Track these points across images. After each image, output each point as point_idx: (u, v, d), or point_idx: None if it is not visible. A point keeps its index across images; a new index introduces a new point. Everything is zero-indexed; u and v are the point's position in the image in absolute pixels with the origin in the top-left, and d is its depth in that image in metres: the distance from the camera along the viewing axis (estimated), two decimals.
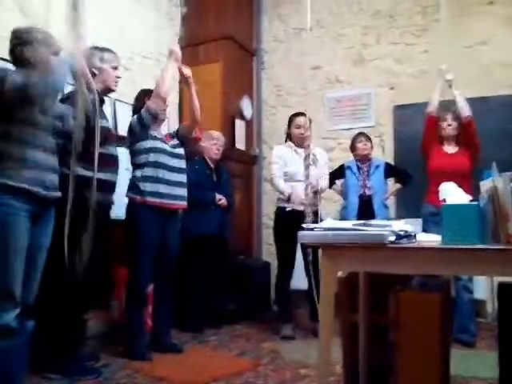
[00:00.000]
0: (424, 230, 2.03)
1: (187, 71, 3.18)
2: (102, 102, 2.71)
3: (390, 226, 1.53)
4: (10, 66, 2.12)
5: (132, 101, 3.29)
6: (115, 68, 2.72)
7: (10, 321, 1.87)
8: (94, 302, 2.92)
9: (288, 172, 3.56)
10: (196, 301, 3.64)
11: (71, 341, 2.56)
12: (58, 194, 2.11)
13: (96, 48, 2.68)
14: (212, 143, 3.82)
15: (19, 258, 1.91)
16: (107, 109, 3.12)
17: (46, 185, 2.01)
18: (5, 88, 1.89)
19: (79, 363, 2.56)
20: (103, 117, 2.66)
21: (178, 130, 3.35)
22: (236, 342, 3.38)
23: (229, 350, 3.15)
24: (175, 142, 3.19)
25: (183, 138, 3.26)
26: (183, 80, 3.26)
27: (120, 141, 3.04)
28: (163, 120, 3.21)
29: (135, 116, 3.04)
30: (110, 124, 2.92)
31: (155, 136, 3.05)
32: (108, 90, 2.76)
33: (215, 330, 3.66)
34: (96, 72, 2.65)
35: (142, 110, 2.98)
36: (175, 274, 3.15)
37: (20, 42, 2.05)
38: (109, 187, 2.65)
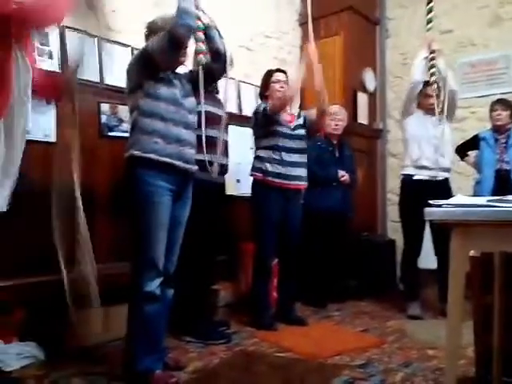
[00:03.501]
0: None
1: (315, 59, 3.05)
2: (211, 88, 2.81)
3: None
4: None
5: (255, 81, 3.37)
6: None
7: (155, 288, 2.08)
8: (222, 273, 3.13)
9: (417, 135, 3.41)
10: (318, 276, 3.69)
11: (205, 308, 2.79)
12: (196, 167, 2.26)
13: None
14: (330, 119, 3.77)
15: (162, 233, 2.09)
16: (230, 90, 3.23)
17: (186, 159, 2.16)
18: (149, 50, 2.07)
19: (212, 328, 2.77)
20: (208, 102, 2.73)
21: (304, 114, 3.30)
22: (360, 318, 3.36)
23: (353, 326, 3.15)
24: (298, 122, 3.20)
25: (308, 126, 3.23)
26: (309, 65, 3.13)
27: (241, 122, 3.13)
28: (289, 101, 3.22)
29: (261, 106, 3.11)
30: (233, 107, 3.03)
31: (277, 120, 3.09)
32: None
33: (338, 305, 3.68)
34: None
35: (269, 105, 3.05)
36: (299, 249, 3.22)
37: (148, 32, 2.24)
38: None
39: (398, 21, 4.84)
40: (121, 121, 2.99)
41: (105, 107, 2.99)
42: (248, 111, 3.26)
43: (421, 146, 3.37)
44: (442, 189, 3.25)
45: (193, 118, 2.24)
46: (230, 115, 3.07)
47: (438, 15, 4.41)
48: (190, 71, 2.42)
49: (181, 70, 2.33)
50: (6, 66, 1.36)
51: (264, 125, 3.08)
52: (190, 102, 2.24)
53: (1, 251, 2.37)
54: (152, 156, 2.06)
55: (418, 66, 3.35)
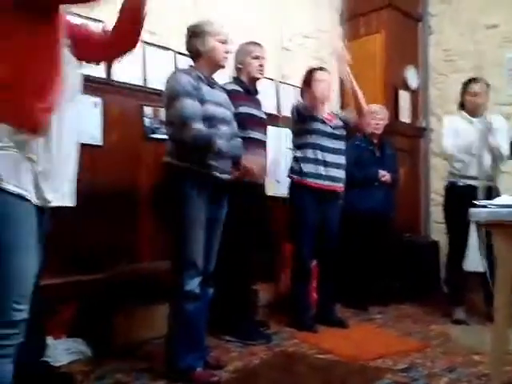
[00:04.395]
0: None
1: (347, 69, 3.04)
2: (253, 91, 2.87)
3: None
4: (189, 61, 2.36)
5: (294, 82, 3.36)
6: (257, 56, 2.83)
7: (195, 287, 2.13)
8: (262, 273, 3.14)
9: (460, 145, 3.29)
10: (358, 277, 3.64)
11: (245, 308, 2.82)
12: (229, 176, 2.30)
13: None
14: (370, 118, 3.70)
15: (201, 233, 2.14)
16: (269, 91, 3.25)
17: (221, 169, 2.21)
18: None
19: (252, 328, 2.79)
20: (250, 105, 2.78)
21: (342, 116, 3.28)
22: (402, 322, 3.29)
23: (395, 330, 3.09)
24: (337, 122, 3.17)
25: (347, 125, 3.22)
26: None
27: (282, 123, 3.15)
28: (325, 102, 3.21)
29: (296, 104, 3.13)
30: (272, 107, 3.06)
31: (316, 117, 3.09)
32: (253, 79, 2.86)
33: (380, 308, 3.62)
34: (240, 66, 2.83)
35: (301, 104, 3.10)
36: (338, 250, 3.19)
37: (191, 35, 2.28)
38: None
39: (440, 17, 4.71)
40: (163, 123, 3.06)
41: (147, 110, 3.07)
42: (287, 112, 3.26)
43: (466, 154, 3.28)
44: (487, 195, 3.13)
45: (227, 128, 2.26)
46: (270, 116, 3.07)
47: (481, 11, 4.28)
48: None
49: (219, 75, 2.38)
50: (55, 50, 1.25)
51: (300, 122, 3.09)
52: (222, 112, 2.25)
53: (54, 250, 2.48)
54: (188, 166, 2.12)
55: (447, 134, 3.31)
